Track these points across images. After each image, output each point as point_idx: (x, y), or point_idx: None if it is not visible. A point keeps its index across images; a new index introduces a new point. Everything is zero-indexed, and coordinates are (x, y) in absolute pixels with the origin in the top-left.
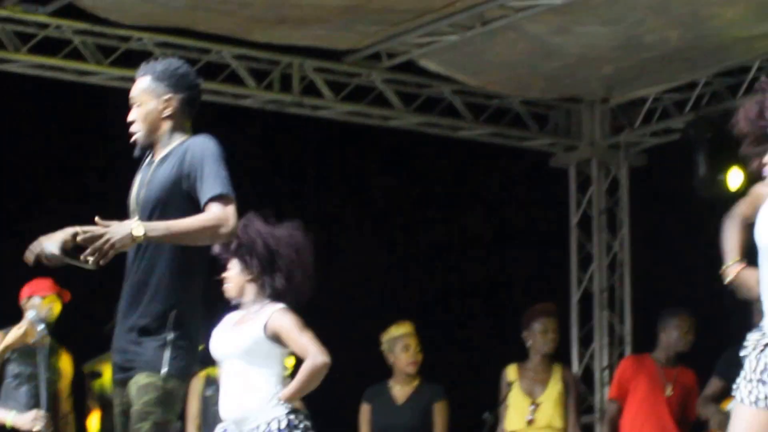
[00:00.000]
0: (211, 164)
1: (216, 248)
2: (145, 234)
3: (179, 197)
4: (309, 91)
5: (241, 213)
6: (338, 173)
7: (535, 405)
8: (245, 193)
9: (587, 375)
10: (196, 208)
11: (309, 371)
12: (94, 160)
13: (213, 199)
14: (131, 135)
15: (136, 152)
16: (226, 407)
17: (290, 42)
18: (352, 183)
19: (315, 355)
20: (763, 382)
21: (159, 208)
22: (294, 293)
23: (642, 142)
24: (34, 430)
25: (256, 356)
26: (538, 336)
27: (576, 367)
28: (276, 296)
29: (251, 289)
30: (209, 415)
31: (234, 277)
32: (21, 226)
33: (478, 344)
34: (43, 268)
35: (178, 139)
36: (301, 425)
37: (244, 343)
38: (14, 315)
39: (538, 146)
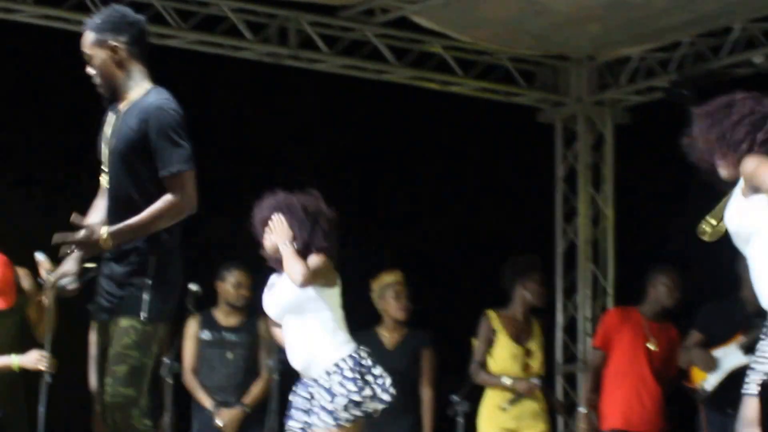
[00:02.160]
0: (167, 137)
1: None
2: (113, 242)
3: (144, 152)
4: (305, 45)
5: (241, 161)
6: (328, 125)
7: (529, 352)
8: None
9: (571, 325)
10: (151, 162)
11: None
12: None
13: (168, 177)
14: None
15: (107, 104)
16: (294, 360)
17: None
18: (342, 135)
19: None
20: None
21: (127, 161)
22: (322, 245)
23: (626, 100)
24: (39, 368)
25: (304, 306)
26: (528, 290)
27: (560, 318)
28: (308, 251)
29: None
30: (206, 358)
31: (269, 243)
32: None
33: (464, 293)
34: None
35: (139, 85)
36: (366, 360)
37: (289, 297)
38: None
39: (526, 102)
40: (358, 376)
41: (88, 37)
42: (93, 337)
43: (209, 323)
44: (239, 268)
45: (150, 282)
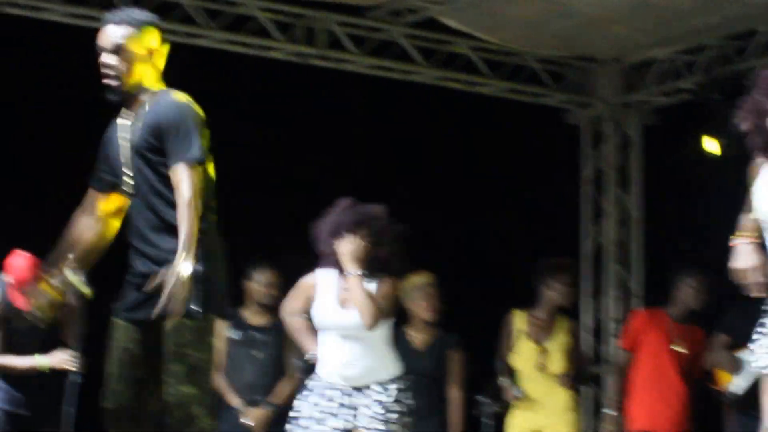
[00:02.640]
0: (179, 130)
1: (337, 220)
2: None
3: (155, 149)
4: (332, 45)
5: (272, 159)
6: (356, 126)
7: (545, 351)
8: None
9: (597, 327)
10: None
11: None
12: None
13: (175, 168)
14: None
15: (113, 97)
16: (346, 371)
17: None
18: (370, 136)
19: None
20: None
21: (150, 161)
22: (394, 266)
23: (653, 101)
24: (65, 367)
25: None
26: (555, 290)
27: (586, 319)
28: (381, 267)
29: (360, 261)
30: (234, 357)
31: (350, 250)
32: None
33: (492, 295)
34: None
35: (153, 87)
36: (410, 386)
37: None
38: None
39: (553, 103)
40: (410, 391)
41: (118, 31)
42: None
43: (238, 323)
44: (268, 268)
45: (196, 275)
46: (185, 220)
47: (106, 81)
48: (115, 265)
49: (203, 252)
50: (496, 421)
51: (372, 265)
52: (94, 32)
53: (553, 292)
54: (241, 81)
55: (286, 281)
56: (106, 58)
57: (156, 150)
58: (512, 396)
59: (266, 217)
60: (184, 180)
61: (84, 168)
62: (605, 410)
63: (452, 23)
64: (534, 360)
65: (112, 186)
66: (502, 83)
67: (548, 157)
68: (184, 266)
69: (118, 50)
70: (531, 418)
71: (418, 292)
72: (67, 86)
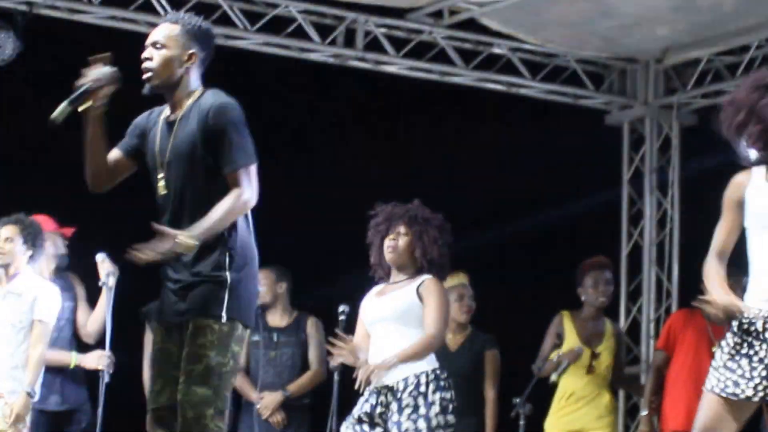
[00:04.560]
0: (229, 134)
1: (384, 213)
2: (197, 243)
3: (209, 151)
4: (372, 47)
5: (299, 162)
6: (393, 127)
7: (596, 354)
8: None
9: (634, 327)
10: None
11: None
12: None
13: (233, 172)
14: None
15: (147, 91)
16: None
17: None
18: (407, 137)
19: (430, 334)
20: None
21: (193, 163)
22: (442, 268)
23: (694, 103)
24: (99, 367)
25: (410, 318)
26: (590, 290)
27: (623, 320)
28: (429, 268)
29: (409, 260)
30: (255, 358)
31: (401, 246)
32: None
33: (530, 295)
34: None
35: (195, 90)
36: (444, 380)
37: (400, 306)
38: None
39: (594, 104)
40: (449, 386)
41: (172, 30)
42: (150, 340)
43: (257, 324)
44: (266, 269)
45: (227, 280)
46: (223, 210)
47: (145, 75)
48: (148, 269)
49: (239, 260)
50: (532, 422)
51: (426, 264)
52: (131, 35)
53: (591, 291)
54: (280, 82)
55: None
56: (147, 52)
57: (204, 154)
58: (574, 354)
59: (290, 216)
60: (245, 185)
61: None
62: (641, 412)
63: (493, 24)
64: (584, 362)
65: (133, 155)
66: (542, 85)
67: (588, 159)
68: (188, 239)
69: (159, 46)
70: (572, 419)
71: (452, 293)
72: None
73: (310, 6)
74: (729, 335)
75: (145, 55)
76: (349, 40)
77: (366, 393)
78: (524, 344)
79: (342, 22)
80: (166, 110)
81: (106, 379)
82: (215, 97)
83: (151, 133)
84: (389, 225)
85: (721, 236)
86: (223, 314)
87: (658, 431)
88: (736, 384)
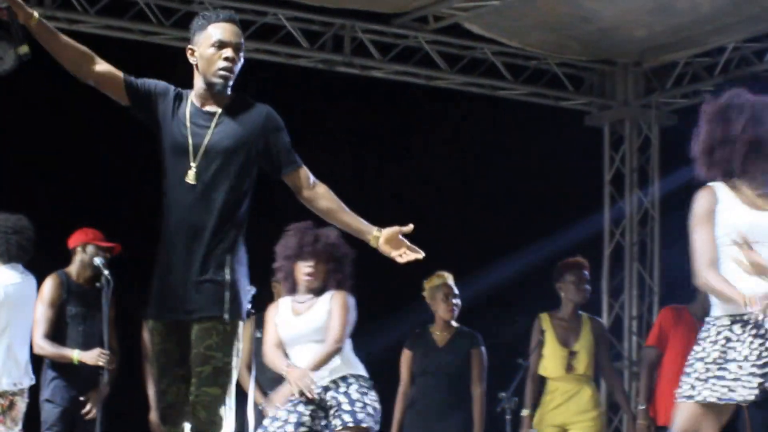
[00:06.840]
0: (287, 137)
1: (297, 247)
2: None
3: (249, 152)
4: (358, 52)
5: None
6: (380, 130)
7: (573, 353)
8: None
9: (616, 324)
10: (254, 164)
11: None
12: None
13: (298, 169)
14: None
15: (219, 88)
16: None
17: (342, 5)
18: (393, 140)
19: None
20: None
21: (234, 159)
22: (349, 284)
23: (673, 104)
24: (99, 364)
25: (327, 334)
26: (570, 287)
27: (605, 317)
28: (338, 286)
29: (322, 285)
30: (260, 356)
31: (319, 277)
32: None
33: (514, 293)
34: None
35: (233, 95)
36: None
37: (318, 325)
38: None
39: (574, 106)
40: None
41: (240, 32)
42: (150, 338)
43: (263, 323)
44: None
45: (229, 281)
46: (350, 212)
47: (227, 74)
48: (145, 269)
49: (238, 259)
50: (517, 417)
51: (328, 285)
52: (127, 43)
53: (567, 290)
54: (267, 88)
55: None
56: (232, 53)
57: (244, 153)
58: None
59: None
60: (317, 181)
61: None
62: (639, 406)
63: (476, 29)
64: (563, 362)
65: (131, 93)
66: (524, 87)
67: (570, 159)
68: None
69: (239, 51)
70: (555, 414)
71: (438, 292)
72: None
73: (298, 13)
74: (708, 346)
75: (230, 55)
76: (337, 46)
77: (283, 412)
78: (509, 341)
79: (330, 29)
80: (191, 98)
81: (106, 376)
82: (254, 101)
83: (173, 116)
84: (300, 252)
85: (706, 248)
86: (226, 315)
87: (654, 425)
88: (731, 390)
